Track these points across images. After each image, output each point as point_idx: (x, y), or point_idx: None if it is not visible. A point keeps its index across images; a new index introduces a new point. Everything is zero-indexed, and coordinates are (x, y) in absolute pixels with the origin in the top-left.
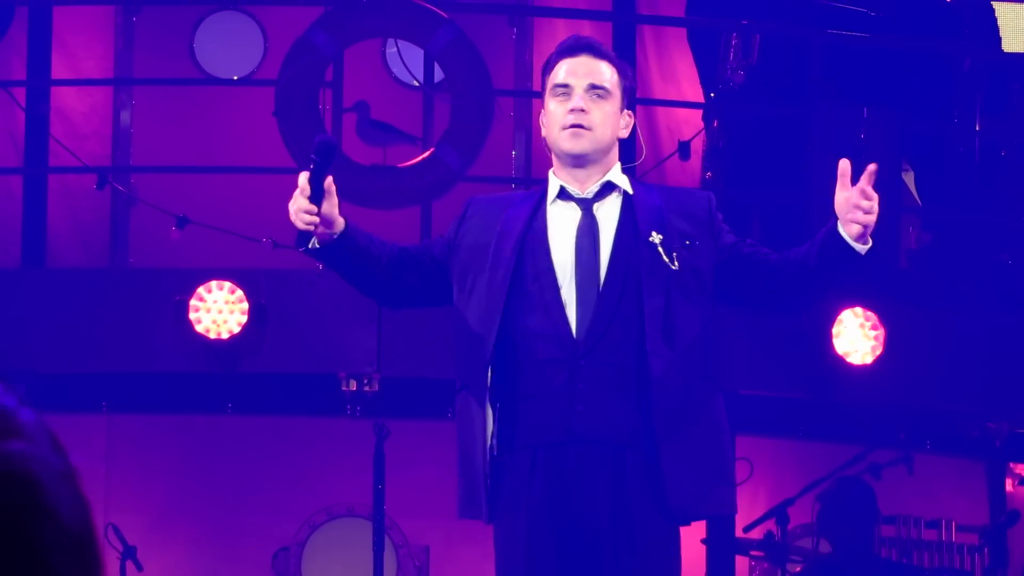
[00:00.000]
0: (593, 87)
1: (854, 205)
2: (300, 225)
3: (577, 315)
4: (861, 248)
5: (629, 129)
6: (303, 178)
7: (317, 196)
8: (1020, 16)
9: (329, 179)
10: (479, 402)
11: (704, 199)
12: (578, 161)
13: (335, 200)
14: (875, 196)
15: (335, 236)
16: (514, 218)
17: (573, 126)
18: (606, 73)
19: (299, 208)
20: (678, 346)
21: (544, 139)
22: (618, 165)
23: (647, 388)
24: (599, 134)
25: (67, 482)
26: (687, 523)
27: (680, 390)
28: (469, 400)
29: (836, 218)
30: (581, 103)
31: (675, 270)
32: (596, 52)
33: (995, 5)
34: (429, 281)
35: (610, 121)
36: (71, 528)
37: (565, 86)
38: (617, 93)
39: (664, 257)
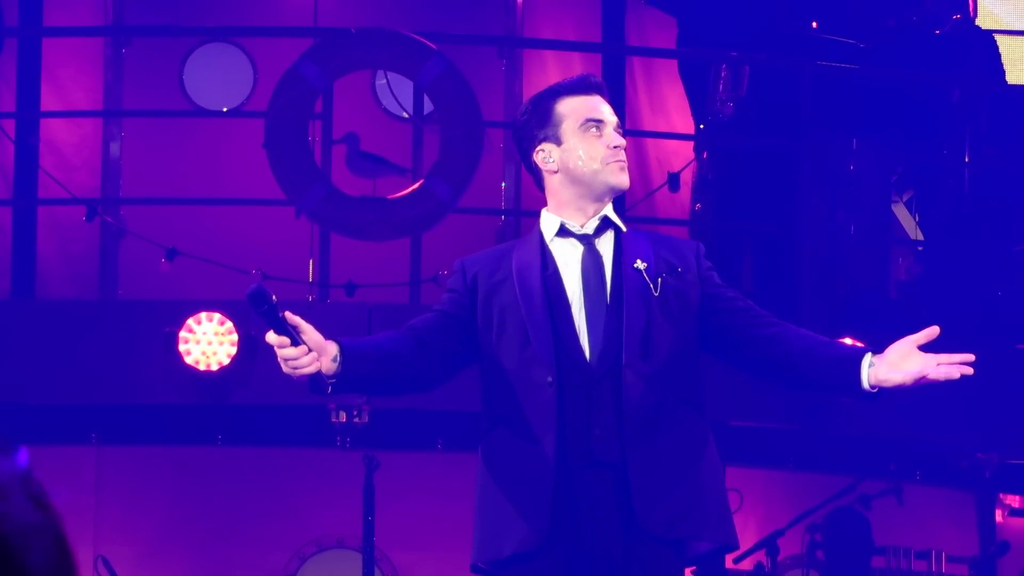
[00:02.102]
0: (618, 125)
1: (934, 367)
2: (305, 372)
3: (590, 344)
4: (871, 389)
5: None
6: (271, 337)
7: (293, 338)
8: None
9: (288, 313)
10: (543, 423)
11: (692, 246)
12: (612, 195)
13: (309, 327)
14: (969, 371)
15: (338, 360)
16: (526, 256)
17: (620, 160)
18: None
19: (288, 358)
20: (654, 362)
21: (555, 172)
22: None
23: (620, 401)
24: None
25: (43, 535)
26: (674, 548)
27: (654, 407)
28: (525, 425)
29: (867, 349)
30: (620, 139)
31: (657, 295)
32: (605, 94)
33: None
34: (461, 341)
35: None
36: None
37: (601, 121)
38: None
39: (649, 283)
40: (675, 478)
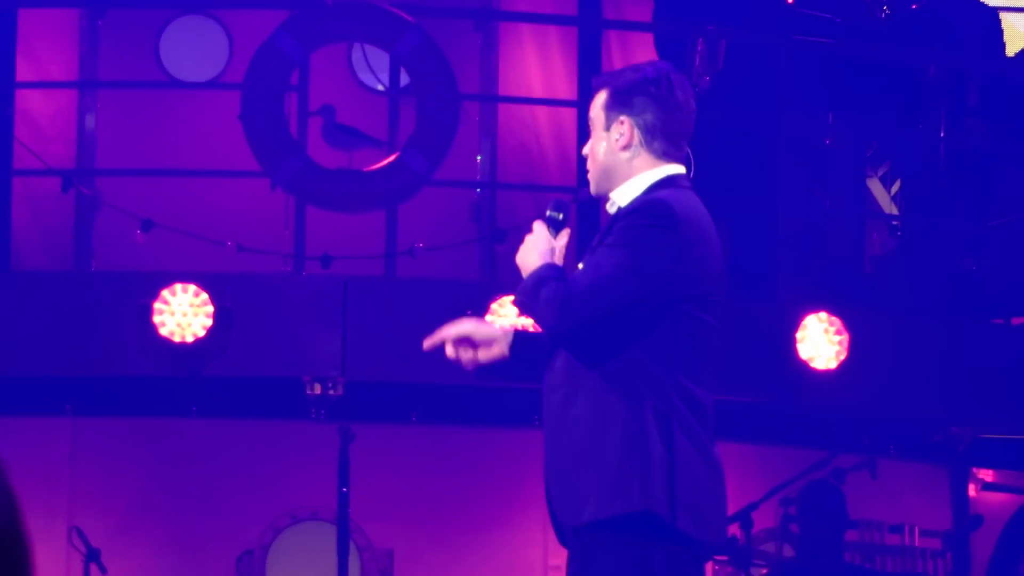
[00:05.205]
0: (589, 127)
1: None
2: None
3: None
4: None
5: (625, 137)
6: (549, 232)
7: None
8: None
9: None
10: None
11: (632, 206)
12: (599, 198)
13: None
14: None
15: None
16: None
17: (588, 170)
18: (595, 102)
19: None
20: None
21: None
22: (635, 179)
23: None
24: (594, 170)
25: None
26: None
27: (562, 398)
28: None
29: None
30: (587, 149)
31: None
32: (592, 87)
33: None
34: None
35: (597, 149)
36: None
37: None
38: (600, 115)
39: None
40: (575, 466)
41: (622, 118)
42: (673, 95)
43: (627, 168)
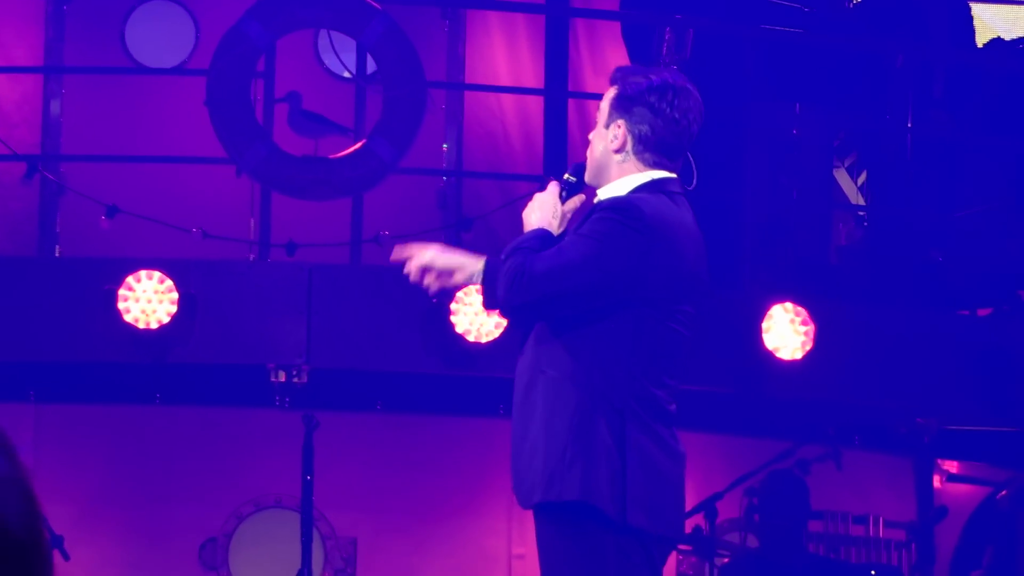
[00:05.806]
0: (599, 115)
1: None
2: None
3: None
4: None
5: (618, 141)
6: (560, 197)
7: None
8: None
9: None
10: None
11: (601, 205)
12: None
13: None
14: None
15: None
16: None
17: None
18: (607, 93)
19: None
20: (531, 341)
21: None
22: (622, 180)
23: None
24: (590, 162)
25: (12, 487)
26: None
27: (524, 387)
28: None
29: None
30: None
31: None
32: (610, 78)
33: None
34: None
35: (596, 145)
36: (16, 535)
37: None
38: (606, 111)
39: None
40: (530, 451)
41: (620, 122)
42: (672, 109)
43: (617, 169)
